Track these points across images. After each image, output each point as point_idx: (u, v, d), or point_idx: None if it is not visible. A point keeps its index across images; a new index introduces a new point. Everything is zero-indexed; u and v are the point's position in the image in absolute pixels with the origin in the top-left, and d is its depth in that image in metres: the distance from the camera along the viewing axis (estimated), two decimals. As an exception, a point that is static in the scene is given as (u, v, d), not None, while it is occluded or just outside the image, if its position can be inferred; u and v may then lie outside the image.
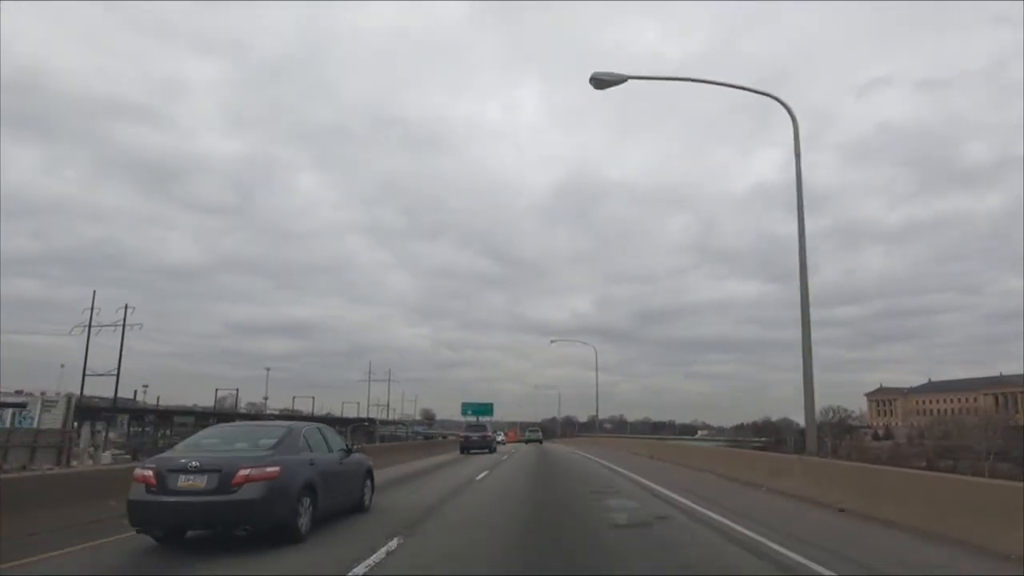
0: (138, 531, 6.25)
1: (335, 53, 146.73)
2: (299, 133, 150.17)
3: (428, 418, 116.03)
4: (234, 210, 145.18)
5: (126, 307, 51.70)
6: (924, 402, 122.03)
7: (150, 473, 6.07)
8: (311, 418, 70.79)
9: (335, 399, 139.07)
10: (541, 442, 50.20)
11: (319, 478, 7.16)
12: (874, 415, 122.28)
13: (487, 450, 29.87)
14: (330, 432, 8.74)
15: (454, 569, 5.65)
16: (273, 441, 6.79)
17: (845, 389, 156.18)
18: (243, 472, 6.04)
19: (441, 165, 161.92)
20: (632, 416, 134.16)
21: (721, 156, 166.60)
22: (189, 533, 6.54)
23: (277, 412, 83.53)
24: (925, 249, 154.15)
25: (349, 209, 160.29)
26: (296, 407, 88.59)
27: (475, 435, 30.83)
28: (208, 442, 6.96)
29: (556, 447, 42.44)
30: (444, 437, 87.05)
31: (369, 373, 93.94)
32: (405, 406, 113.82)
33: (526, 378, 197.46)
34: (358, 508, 8.74)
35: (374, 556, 5.71)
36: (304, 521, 6.67)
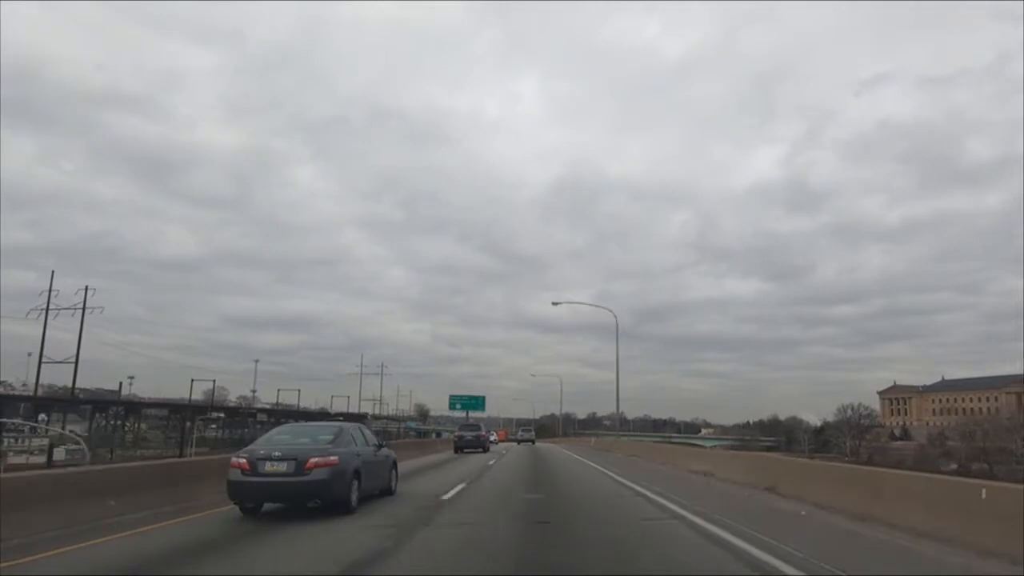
0: (234, 503, 8.73)
1: (333, 44, 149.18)
2: (296, 125, 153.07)
3: (422, 414, 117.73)
4: (231, 202, 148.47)
5: (86, 289, 48.98)
6: (940, 400, 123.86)
7: (244, 461, 8.55)
8: (299, 412, 74.50)
9: (334, 392, 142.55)
10: (533, 442, 52.47)
11: (363, 466, 9.63)
12: (887, 414, 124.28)
13: (480, 449, 32.16)
14: (367, 431, 11.25)
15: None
16: (330, 437, 9.28)
17: (844, 387, 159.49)
18: (313, 460, 8.50)
19: (440, 158, 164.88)
20: (632, 413, 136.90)
21: (721, 153, 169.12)
22: (265, 506, 9.00)
23: (270, 406, 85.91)
24: (925, 248, 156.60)
25: (347, 202, 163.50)
26: (281, 399, 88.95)
27: (469, 434, 33.26)
28: (280, 438, 9.42)
29: (553, 450, 37.79)
30: (438, 434, 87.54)
31: (361, 366, 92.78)
32: (400, 401, 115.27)
33: (525, 374, 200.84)
34: (387, 492, 11.20)
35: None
36: (355, 497, 9.14)
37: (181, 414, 74.64)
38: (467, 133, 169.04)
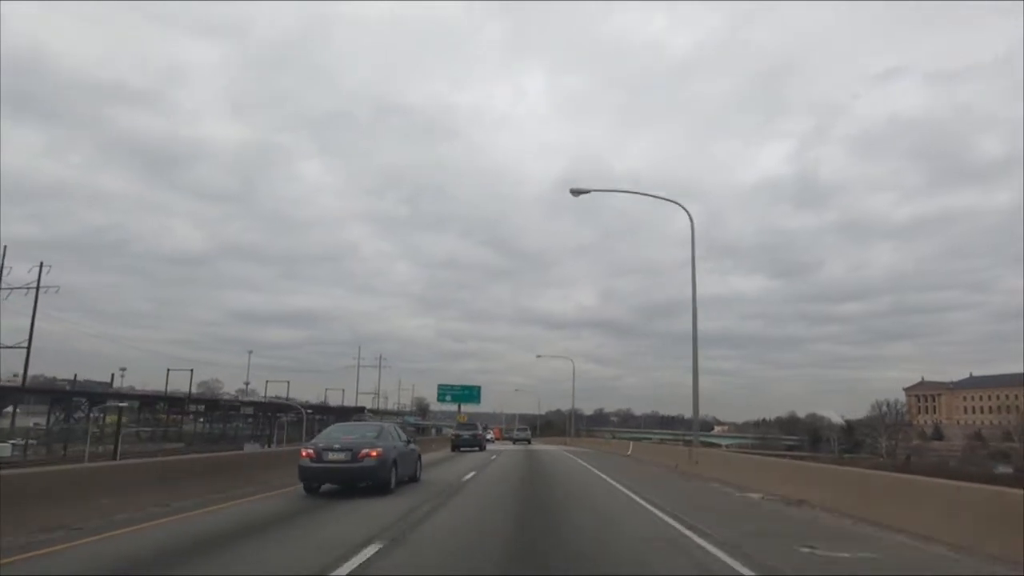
0: (303, 485, 11.93)
1: (336, 39, 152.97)
2: (300, 119, 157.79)
3: (421, 408, 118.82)
4: (236, 197, 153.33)
5: (40, 266, 47.55)
6: (972, 398, 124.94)
7: (312, 451, 11.77)
8: (289, 405, 76.98)
9: (336, 385, 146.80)
10: (529, 442, 55.13)
11: (399, 456, 12.83)
12: (915, 411, 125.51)
13: (477, 447, 35.31)
14: (399, 430, 14.55)
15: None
16: (375, 434, 12.53)
17: (851, 385, 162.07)
18: (364, 451, 11.69)
19: (444, 154, 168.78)
20: (639, 410, 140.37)
21: (727, 149, 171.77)
22: (323, 487, 12.23)
23: (265, 399, 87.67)
24: (933, 245, 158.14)
25: (351, 198, 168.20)
26: (270, 392, 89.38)
27: (466, 433, 36.61)
28: (335, 434, 12.64)
29: (556, 462, 27.72)
30: (438, 430, 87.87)
31: (358, 359, 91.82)
32: (402, 396, 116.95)
33: (530, 370, 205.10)
34: (414, 479, 14.40)
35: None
36: (393, 481, 12.32)
37: (153, 407, 71.75)
38: (472, 128, 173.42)
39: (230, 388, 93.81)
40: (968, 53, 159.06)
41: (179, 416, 75.50)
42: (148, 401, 70.41)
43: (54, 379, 72.29)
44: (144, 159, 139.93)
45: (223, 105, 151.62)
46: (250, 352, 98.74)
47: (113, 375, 72.47)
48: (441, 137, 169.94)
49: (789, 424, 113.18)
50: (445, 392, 63.47)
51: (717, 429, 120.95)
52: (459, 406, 62.31)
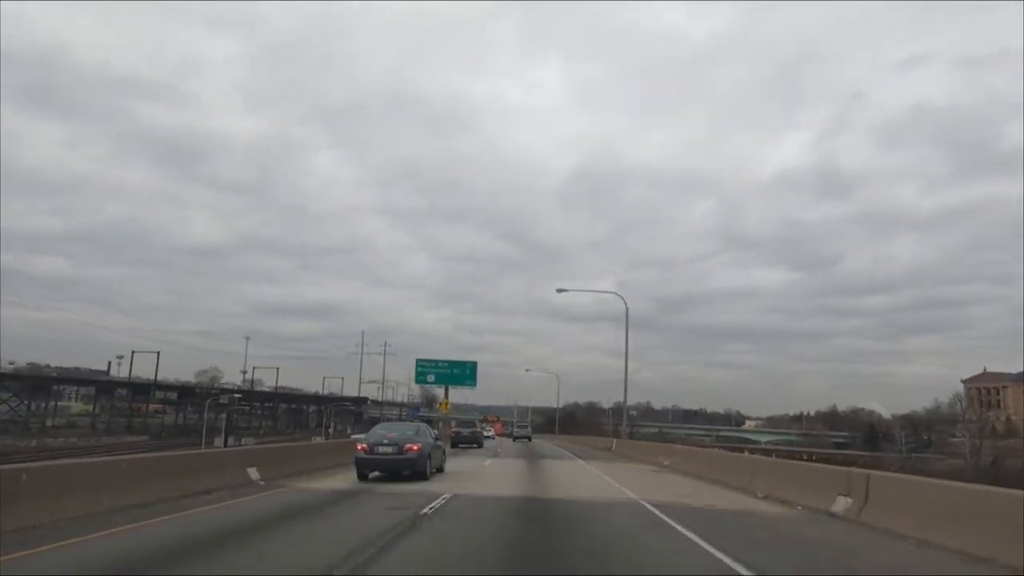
0: (357, 472, 16.50)
1: (351, 30, 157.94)
2: (316, 111, 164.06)
3: (429, 400, 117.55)
4: (253, 189, 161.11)
5: None
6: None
7: (366, 445, 16.37)
8: (277, 393, 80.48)
9: (344, 374, 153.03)
10: (530, 439, 59.13)
11: (431, 450, 17.33)
12: (976, 406, 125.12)
13: (476, 445, 39.24)
14: (430, 429, 19.24)
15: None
16: (414, 432, 17.17)
17: (874, 380, 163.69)
18: (407, 445, 16.18)
19: (460, 146, 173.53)
20: (657, 404, 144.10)
21: (746, 140, 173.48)
22: (372, 474, 16.90)
23: (270, 389, 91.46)
24: (958, 237, 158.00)
25: (367, 190, 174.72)
26: (257, 378, 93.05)
27: (465, 431, 40.84)
28: (382, 432, 17.22)
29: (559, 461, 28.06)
30: (449, 424, 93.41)
31: (362, 346, 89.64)
32: (412, 387, 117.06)
33: (548, 364, 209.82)
34: (440, 470, 18.86)
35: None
36: (429, 470, 16.85)
37: (110, 395, 69.52)
38: (487, 120, 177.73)
39: (236, 379, 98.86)
40: (995, 39, 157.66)
41: (143, 406, 72.48)
42: (103, 388, 68.90)
43: (47, 365, 76.78)
44: (162, 152, 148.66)
45: (239, 98, 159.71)
46: (247, 338, 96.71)
47: (110, 363, 76.07)
48: (457, 129, 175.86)
49: (830, 419, 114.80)
50: (426, 369, 48.71)
51: (748, 424, 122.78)
52: (446, 390, 49.52)
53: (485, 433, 48.55)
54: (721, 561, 7.20)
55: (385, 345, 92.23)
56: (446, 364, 50.10)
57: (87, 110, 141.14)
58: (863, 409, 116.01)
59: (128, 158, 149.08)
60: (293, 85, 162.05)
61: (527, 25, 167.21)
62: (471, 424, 43.94)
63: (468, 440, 39.15)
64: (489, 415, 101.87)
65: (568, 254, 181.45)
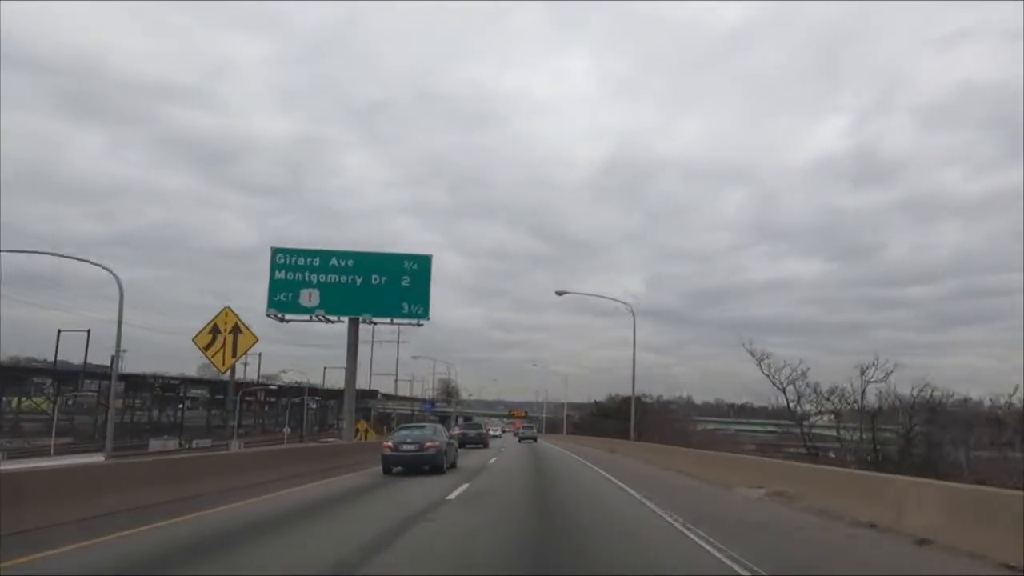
0: (383, 467, 19.69)
1: (377, 25, 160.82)
2: (345, 110, 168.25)
3: (447, 393, 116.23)
4: (286, 190, 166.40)
5: None
6: None
7: (391, 443, 19.71)
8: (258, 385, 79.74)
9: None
10: (535, 440, 62.04)
11: (447, 448, 20.71)
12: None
13: (481, 445, 43.01)
14: (445, 429, 22.54)
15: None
16: (432, 432, 20.60)
17: (912, 373, 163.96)
18: (427, 443, 19.56)
19: (487, 141, 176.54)
20: (698, 398, 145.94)
21: (782, 125, 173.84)
22: (395, 469, 19.85)
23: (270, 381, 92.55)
24: (1007, 222, 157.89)
25: (397, 188, 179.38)
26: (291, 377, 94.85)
27: (472, 432, 44.78)
28: (405, 433, 20.64)
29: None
30: (467, 419, 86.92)
31: (372, 334, 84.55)
32: (434, 380, 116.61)
33: (581, 360, 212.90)
34: (453, 465, 22.05)
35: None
36: (445, 465, 20.19)
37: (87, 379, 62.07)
38: (515, 113, 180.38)
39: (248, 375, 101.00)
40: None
41: (75, 394, 67.44)
42: (64, 376, 66.20)
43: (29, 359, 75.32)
44: (199, 156, 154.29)
45: (270, 99, 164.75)
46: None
47: (113, 357, 76.52)
48: (484, 124, 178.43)
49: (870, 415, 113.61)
50: (289, 273, 28.27)
51: (815, 419, 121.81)
52: (349, 326, 29.62)
53: (492, 433, 52.67)
54: None
55: (399, 331, 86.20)
56: (345, 260, 28.89)
57: (125, 116, 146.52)
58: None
59: (166, 162, 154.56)
60: (322, 85, 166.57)
61: (553, 16, 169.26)
62: (477, 426, 49.26)
63: (474, 440, 43.36)
64: (515, 410, 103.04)
65: (599, 248, 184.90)
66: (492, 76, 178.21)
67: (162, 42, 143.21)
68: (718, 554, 8.02)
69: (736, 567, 7.27)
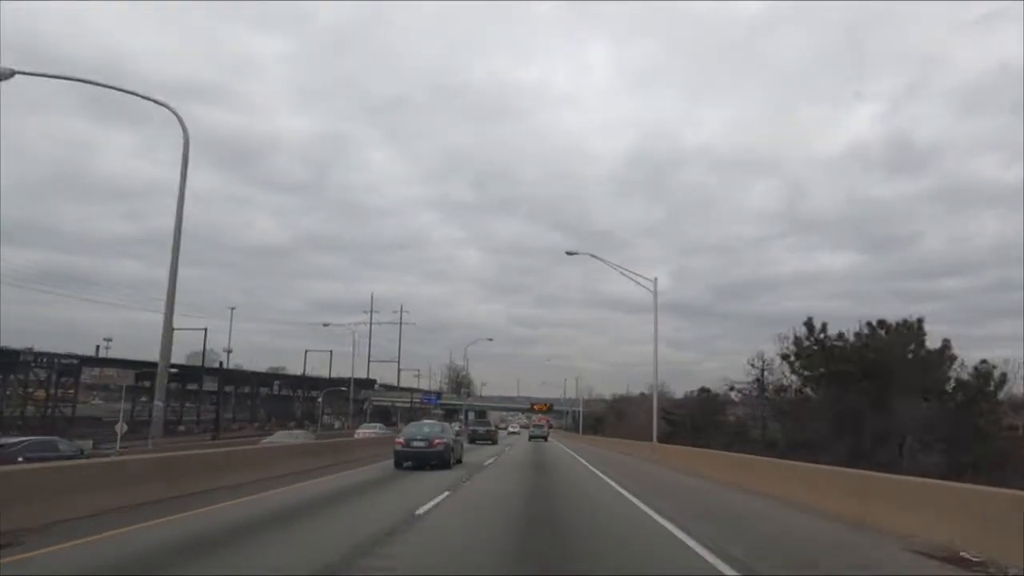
0: (394, 461, 21.65)
1: (395, 20, 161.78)
2: (365, 106, 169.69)
3: (456, 384, 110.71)
4: (310, 188, 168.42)
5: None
6: None
7: (403, 440, 21.70)
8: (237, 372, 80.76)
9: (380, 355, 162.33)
10: (546, 438, 64.14)
11: (453, 444, 22.69)
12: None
13: (490, 441, 46.75)
14: (451, 426, 24.55)
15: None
16: (440, 429, 22.73)
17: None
18: (436, 440, 21.54)
19: (508, 134, 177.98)
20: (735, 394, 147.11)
21: (809, 114, 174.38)
22: (405, 464, 21.71)
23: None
24: None
25: (418, 184, 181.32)
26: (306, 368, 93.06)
27: (481, 429, 49.11)
28: (414, 430, 22.59)
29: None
30: (480, 414, 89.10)
31: (371, 312, 78.27)
32: (441, 371, 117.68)
33: (604, 356, 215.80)
34: (459, 461, 23.99)
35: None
36: (452, 460, 22.18)
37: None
38: (535, 106, 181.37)
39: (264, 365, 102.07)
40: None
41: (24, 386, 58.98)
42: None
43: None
44: (224, 155, 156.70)
45: (292, 97, 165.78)
46: (232, 308, 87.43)
47: (98, 347, 75.86)
48: (504, 117, 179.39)
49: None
50: None
51: None
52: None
53: (511, 429, 58.16)
54: None
55: (401, 312, 79.60)
56: None
57: (152, 116, 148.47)
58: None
59: (193, 162, 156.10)
60: (342, 81, 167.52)
61: (572, 5, 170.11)
62: (486, 423, 54.84)
63: (483, 437, 47.60)
64: (537, 404, 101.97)
65: (622, 242, 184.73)
66: (513, 69, 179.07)
67: (185, 42, 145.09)
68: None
69: None
